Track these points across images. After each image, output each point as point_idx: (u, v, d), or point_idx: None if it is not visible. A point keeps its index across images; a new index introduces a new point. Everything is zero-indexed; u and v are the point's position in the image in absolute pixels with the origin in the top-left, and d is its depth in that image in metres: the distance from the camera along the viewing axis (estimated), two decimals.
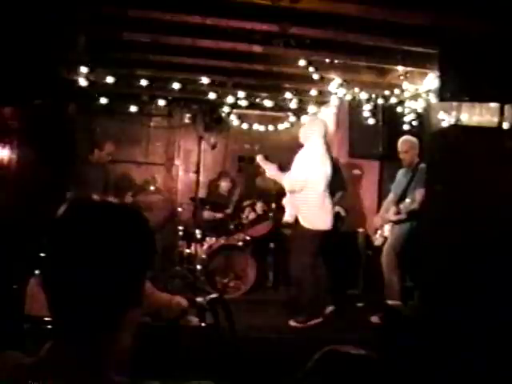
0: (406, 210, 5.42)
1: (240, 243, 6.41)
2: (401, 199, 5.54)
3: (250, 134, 7.89)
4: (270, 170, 5.38)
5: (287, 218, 5.45)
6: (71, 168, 6.90)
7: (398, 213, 5.51)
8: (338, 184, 6.07)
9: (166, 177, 8.26)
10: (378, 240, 5.74)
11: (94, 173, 6.29)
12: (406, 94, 6.11)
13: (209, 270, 6.18)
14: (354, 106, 6.85)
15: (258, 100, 7.04)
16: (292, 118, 7.76)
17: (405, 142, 5.64)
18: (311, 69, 5.53)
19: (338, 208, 5.98)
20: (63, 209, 1.05)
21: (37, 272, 2.99)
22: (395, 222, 5.54)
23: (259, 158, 5.48)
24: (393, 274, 5.41)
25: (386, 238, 5.63)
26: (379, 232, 5.73)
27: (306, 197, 5.15)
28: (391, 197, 5.79)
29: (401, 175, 5.76)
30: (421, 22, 4.24)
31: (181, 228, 6.82)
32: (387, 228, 5.63)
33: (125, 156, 7.78)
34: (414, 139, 5.67)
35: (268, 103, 7.06)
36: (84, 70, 5.75)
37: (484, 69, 4.21)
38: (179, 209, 7.31)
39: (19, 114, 5.70)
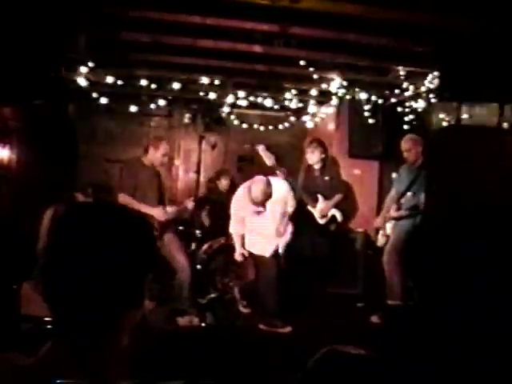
0: (407, 205, 5.40)
1: None
2: (402, 196, 5.51)
3: (250, 133, 7.89)
4: (270, 161, 5.51)
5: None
6: (71, 168, 6.91)
7: (398, 208, 5.49)
8: (336, 187, 6.07)
9: (166, 177, 8.26)
10: (380, 240, 5.71)
11: (146, 175, 5.43)
12: (406, 94, 6.12)
13: (209, 269, 6.18)
14: (354, 106, 6.85)
15: (258, 100, 7.04)
16: (292, 118, 7.76)
17: (407, 141, 5.61)
18: (311, 69, 5.53)
19: (334, 211, 5.97)
20: (53, 209, 1.06)
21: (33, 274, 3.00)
22: (397, 219, 5.52)
23: (261, 148, 5.58)
24: (394, 274, 5.39)
25: (388, 237, 5.60)
26: (381, 232, 5.71)
27: None
28: (393, 194, 5.74)
29: (404, 172, 5.69)
30: (421, 21, 4.24)
31: (181, 228, 6.81)
32: (389, 226, 5.61)
33: (125, 156, 7.78)
34: (416, 137, 5.60)
35: (268, 103, 7.06)
36: (84, 69, 5.75)
37: (484, 69, 4.21)
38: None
39: (19, 113, 5.70)
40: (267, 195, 5.21)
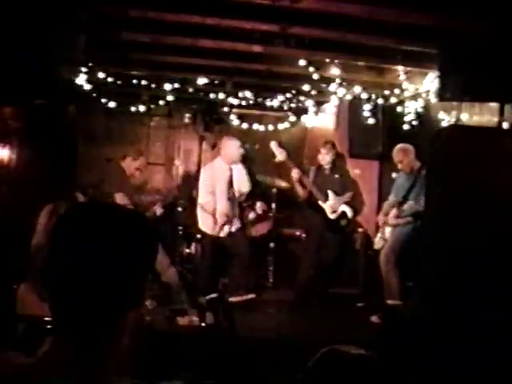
0: (408, 213, 5.45)
1: None
2: (402, 203, 5.56)
3: (250, 133, 7.89)
4: (282, 155, 5.88)
5: None
6: (71, 168, 6.90)
7: (397, 216, 5.54)
8: (346, 185, 6.17)
9: (166, 177, 8.25)
10: (378, 243, 5.75)
11: (123, 178, 5.74)
12: (406, 94, 6.12)
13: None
14: (354, 106, 6.85)
15: (257, 100, 7.04)
16: (292, 118, 7.76)
17: (397, 152, 5.69)
18: (311, 69, 5.53)
19: (344, 207, 6.05)
20: (50, 207, 1.06)
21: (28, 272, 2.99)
22: (394, 226, 5.57)
23: (273, 144, 5.96)
24: (391, 275, 5.43)
25: (386, 241, 5.64)
26: (379, 235, 5.75)
27: None
28: (391, 199, 5.78)
29: (402, 179, 5.74)
30: (421, 22, 4.24)
31: (181, 228, 6.80)
32: (388, 230, 5.65)
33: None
34: (406, 146, 5.69)
35: (268, 103, 7.06)
36: (84, 69, 5.75)
37: (484, 69, 4.21)
38: (179, 209, 7.30)
39: (19, 113, 5.70)
40: (240, 153, 5.98)
